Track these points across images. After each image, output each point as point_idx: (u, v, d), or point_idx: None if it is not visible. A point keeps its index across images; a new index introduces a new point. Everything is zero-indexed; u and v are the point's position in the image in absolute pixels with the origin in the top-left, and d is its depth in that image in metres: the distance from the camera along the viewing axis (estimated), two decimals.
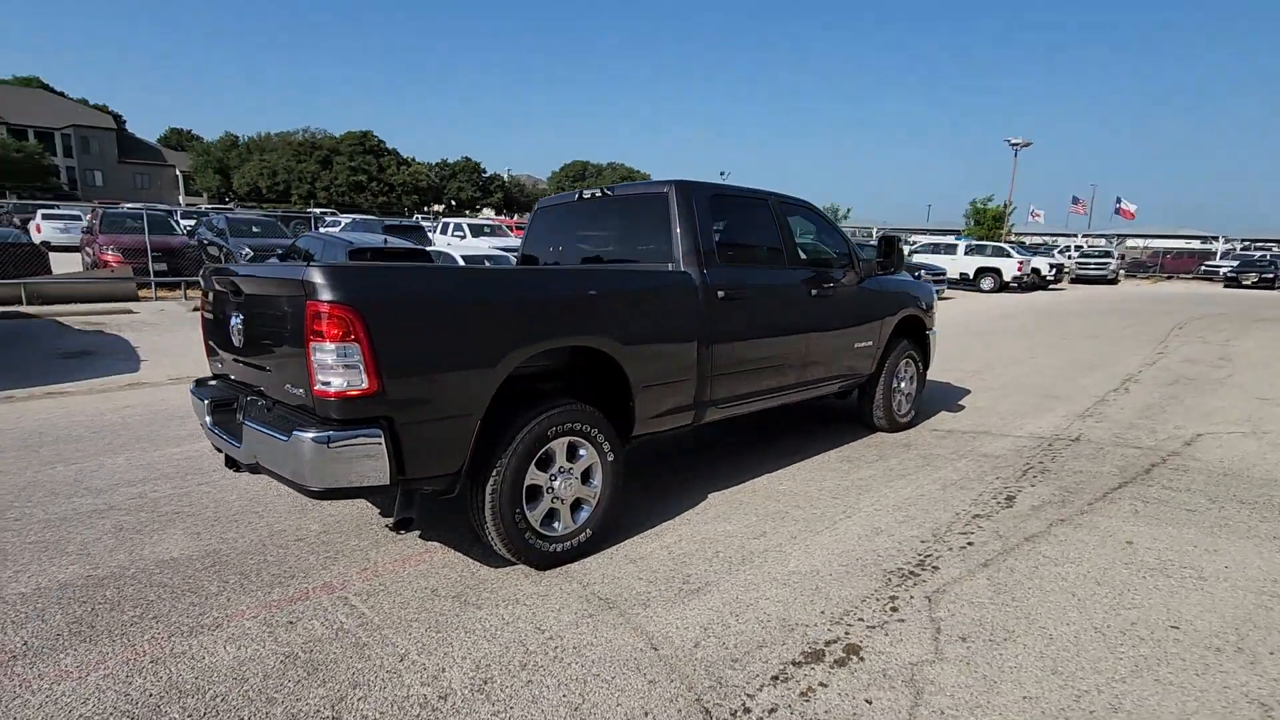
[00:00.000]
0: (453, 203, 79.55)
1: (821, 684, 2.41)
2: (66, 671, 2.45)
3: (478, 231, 21.98)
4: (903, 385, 5.85)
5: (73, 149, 65.67)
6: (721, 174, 56.81)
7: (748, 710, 2.27)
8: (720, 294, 3.98)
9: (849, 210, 42.49)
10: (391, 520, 2.90)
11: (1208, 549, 3.53)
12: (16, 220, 26.66)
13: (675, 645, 2.64)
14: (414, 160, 69.43)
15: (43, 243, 23.08)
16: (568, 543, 3.31)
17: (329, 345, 2.49)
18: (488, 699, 2.31)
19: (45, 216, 24.45)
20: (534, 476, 3.18)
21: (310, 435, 2.53)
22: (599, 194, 4.51)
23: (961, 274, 25.59)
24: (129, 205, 29.77)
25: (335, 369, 2.52)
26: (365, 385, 2.56)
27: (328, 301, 2.48)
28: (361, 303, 2.53)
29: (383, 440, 2.61)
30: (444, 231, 22.47)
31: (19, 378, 7.07)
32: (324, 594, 3.02)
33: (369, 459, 2.60)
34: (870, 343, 5.36)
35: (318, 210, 47.86)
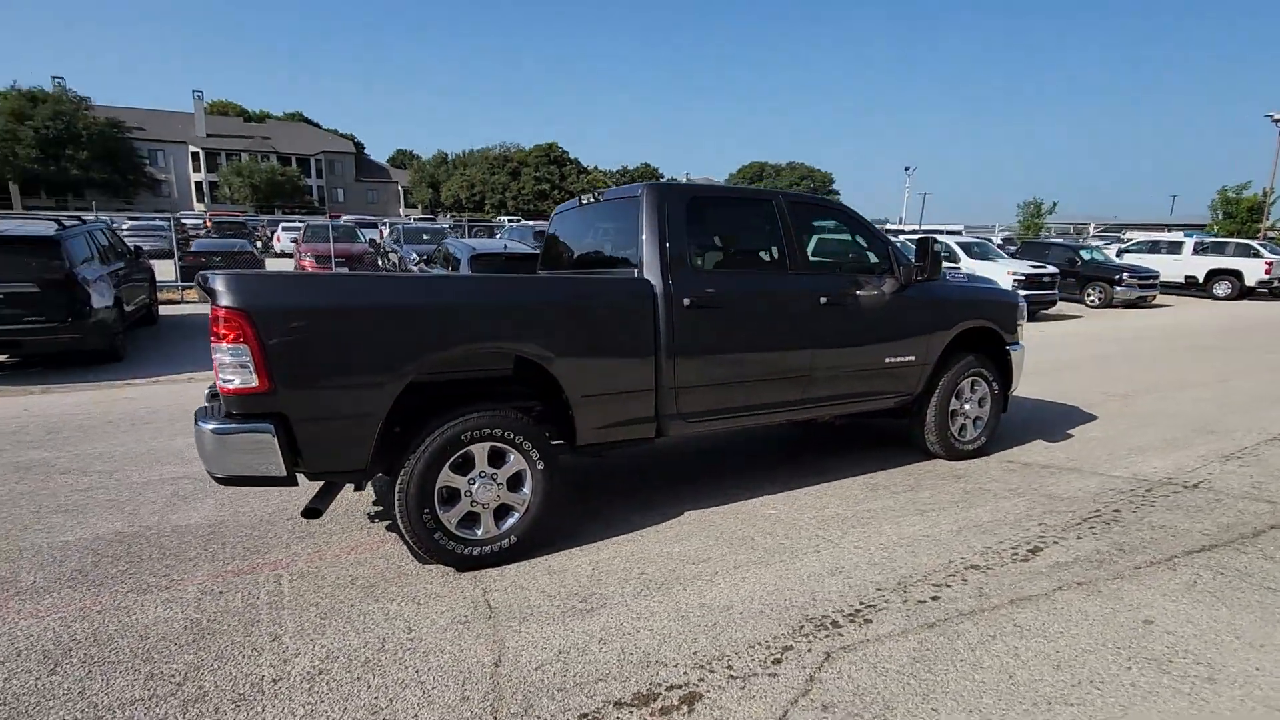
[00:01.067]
0: None
1: None
2: (38, 610, 2.96)
3: None
4: (966, 408, 5.11)
5: (322, 171, 77.81)
6: (906, 169, 53.07)
7: None
8: (687, 302, 3.77)
9: (1054, 205, 37.40)
10: (303, 509, 3.14)
11: (1251, 641, 2.69)
12: (268, 232, 32.36)
13: (519, 665, 2.57)
14: (594, 168, 73.17)
15: (281, 251, 27.81)
16: (487, 547, 3.34)
17: (224, 346, 2.77)
18: (309, 690, 2.42)
19: (284, 229, 29.29)
20: (450, 479, 3.25)
21: (210, 427, 2.83)
22: (594, 199, 4.49)
23: (1188, 277, 21.62)
24: (347, 218, 34.75)
25: (231, 367, 2.78)
26: (256, 384, 2.80)
27: (224, 306, 2.75)
28: (252, 308, 2.77)
29: (273, 435, 2.83)
30: None
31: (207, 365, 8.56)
32: (267, 570, 3.34)
33: (261, 451, 2.84)
34: (912, 358, 4.75)
35: (504, 218, 52.02)
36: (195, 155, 71.31)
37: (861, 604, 3.01)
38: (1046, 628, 2.82)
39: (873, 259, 4.73)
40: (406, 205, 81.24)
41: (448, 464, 3.22)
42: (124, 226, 23.04)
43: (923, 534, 3.78)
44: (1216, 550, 3.56)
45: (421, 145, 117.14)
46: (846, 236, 4.77)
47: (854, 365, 4.52)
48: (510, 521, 3.43)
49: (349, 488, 4.00)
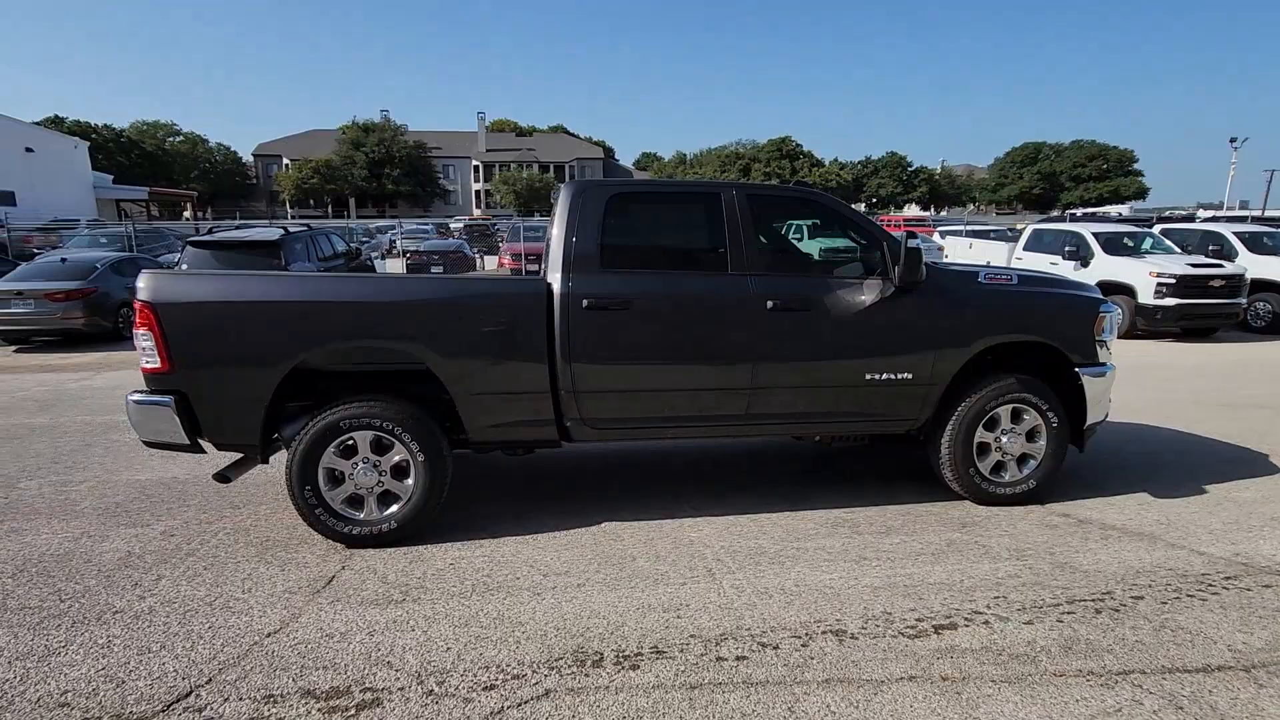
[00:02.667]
0: (873, 200, 77.91)
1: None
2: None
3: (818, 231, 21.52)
4: (1004, 441, 4.12)
5: (575, 175, 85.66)
6: (1232, 141, 42.31)
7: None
8: (585, 303, 3.62)
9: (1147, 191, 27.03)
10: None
11: None
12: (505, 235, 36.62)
13: (285, 638, 2.76)
14: (829, 161, 70.23)
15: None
16: (368, 529, 3.59)
17: (139, 332, 3.36)
18: (128, 625, 2.87)
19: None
20: (334, 462, 3.55)
21: (131, 398, 3.46)
22: (552, 199, 4.48)
23: None
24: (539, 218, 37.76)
25: (144, 351, 3.38)
26: (159, 365, 3.36)
27: (139, 300, 3.35)
28: (155, 301, 3.33)
29: (172, 408, 3.37)
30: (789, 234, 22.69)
31: None
32: (220, 523, 3.96)
33: (165, 421, 3.41)
34: (909, 375, 3.97)
35: (798, 221, 52.21)
36: (476, 168, 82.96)
37: (652, 648, 2.67)
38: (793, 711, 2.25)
39: (860, 258, 4.05)
40: None
41: (331, 448, 3.52)
42: (401, 230, 27.52)
43: (828, 584, 3.19)
44: (1224, 672, 2.48)
45: (665, 147, 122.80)
46: (833, 234, 4.13)
47: (817, 381, 3.92)
48: (393, 508, 3.63)
49: None
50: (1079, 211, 46.20)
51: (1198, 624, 2.83)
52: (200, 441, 3.53)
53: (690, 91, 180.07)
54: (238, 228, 11.99)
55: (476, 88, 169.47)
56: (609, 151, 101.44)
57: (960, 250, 17.32)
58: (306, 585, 3.20)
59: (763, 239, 3.98)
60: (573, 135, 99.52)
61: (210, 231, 13.53)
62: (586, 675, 2.50)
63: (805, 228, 9.05)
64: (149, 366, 3.38)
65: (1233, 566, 3.36)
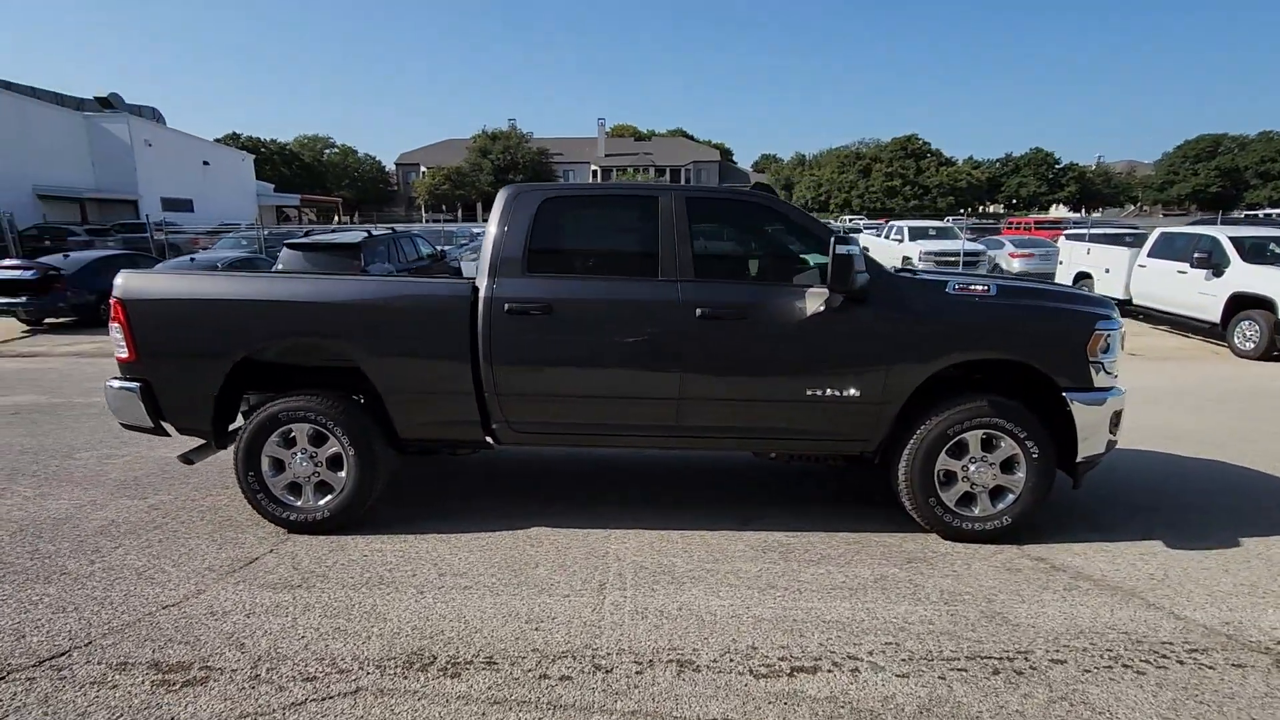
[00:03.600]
0: (1012, 201, 72.09)
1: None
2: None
3: (919, 234, 20.24)
4: (973, 470, 3.70)
5: (690, 179, 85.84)
6: None
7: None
8: (507, 308, 3.65)
9: None
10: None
11: None
12: None
13: (176, 610, 3.00)
14: (961, 160, 65.69)
15: None
16: (305, 516, 3.81)
17: (114, 325, 3.77)
18: (65, 584, 3.23)
19: None
20: (275, 451, 3.81)
21: (108, 383, 3.88)
22: None
23: None
24: None
25: (116, 342, 3.78)
26: (127, 355, 3.75)
27: (114, 297, 3.76)
28: (124, 297, 3.71)
29: (137, 393, 3.76)
30: (886, 235, 21.53)
31: None
32: (200, 500, 4.36)
33: (133, 405, 3.79)
34: (855, 392, 3.66)
35: (849, 218, 50.36)
36: (595, 173, 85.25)
37: (487, 658, 2.65)
38: None
39: (808, 265, 3.79)
40: None
41: (273, 437, 3.78)
42: None
43: (713, 611, 3.02)
44: None
45: (785, 148, 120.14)
46: (782, 239, 3.89)
47: (751, 394, 3.71)
48: (327, 498, 3.83)
49: None
50: (1263, 213, 40.39)
51: (1110, 701, 2.40)
52: (164, 425, 3.89)
53: (812, 90, 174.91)
54: (370, 230, 13.17)
55: (600, 95, 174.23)
56: (727, 154, 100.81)
57: (1077, 256, 15.64)
58: (228, 564, 3.45)
59: (702, 244, 3.81)
60: (691, 139, 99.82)
61: (306, 234, 14.81)
62: (404, 678, 2.52)
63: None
64: (120, 356, 3.79)
65: (1210, 637, 2.82)
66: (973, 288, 3.75)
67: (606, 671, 2.56)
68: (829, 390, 3.66)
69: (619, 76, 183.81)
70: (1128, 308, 14.30)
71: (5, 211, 23.61)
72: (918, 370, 3.63)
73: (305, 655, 2.66)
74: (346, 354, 3.72)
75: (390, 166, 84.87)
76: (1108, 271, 14.28)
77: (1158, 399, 7.10)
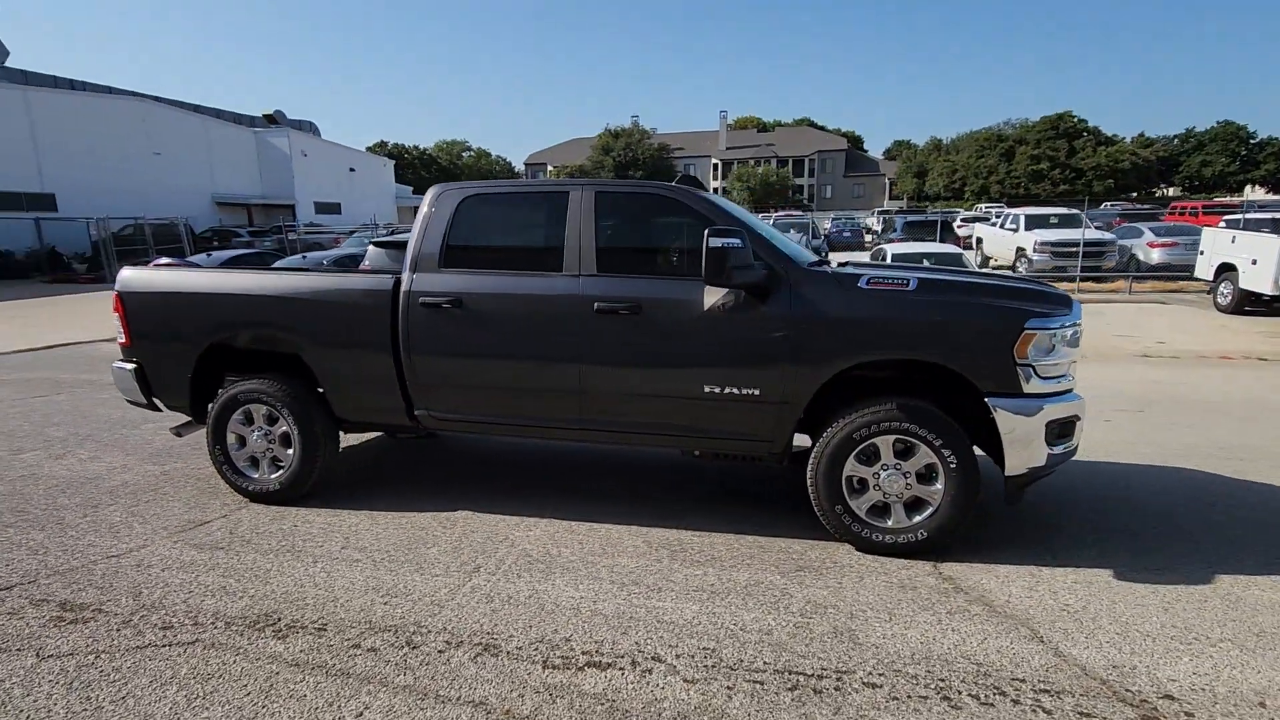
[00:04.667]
0: (1193, 182, 63.37)
1: None
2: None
3: (1037, 222, 18.41)
4: (884, 478, 3.46)
5: (814, 170, 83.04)
6: None
7: None
8: (422, 301, 3.86)
9: None
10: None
11: None
12: None
13: (116, 560, 3.49)
14: (1124, 138, 58.54)
15: None
16: (260, 488, 4.25)
17: (115, 315, 4.39)
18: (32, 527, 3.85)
19: None
20: (238, 428, 4.27)
21: (114, 365, 4.52)
22: None
23: None
24: (781, 215, 36.73)
25: (117, 328, 4.40)
26: (124, 340, 4.36)
27: (114, 290, 4.38)
28: (121, 290, 4.32)
29: (132, 374, 4.36)
30: (1001, 224, 19.78)
31: None
32: (184, 467, 4.96)
33: (129, 384, 4.40)
34: (755, 391, 3.53)
35: (984, 207, 46.76)
36: (715, 166, 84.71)
37: (322, 625, 2.87)
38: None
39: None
40: (891, 197, 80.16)
41: (235, 415, 4.25)
42: None
43: (560, 601, 3.06)
44: None
45: (919, 133, 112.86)
46: (690, 233, 3.78)
47: (648, 389, 3.67)
48: (279, 472, 4.25)
49: None
50: None
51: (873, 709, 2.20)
52: (155, 401, 4.48)
53: (949, 71, 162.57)
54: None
55: (725, 87, 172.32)
56: (856, 142, 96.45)
57: (1220, 246, 13.58)
58: (181, 525, 3.94)
59: (610, 239, 3.81)
60: (818, 128, 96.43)
61: (391, 232, 15.97)
62: (241, 635, 2.79)
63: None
64: (120, 341, 4.41)
65: (1078, 680, 2.48)
66: (887, 283, 3.48)
67: (413, 648, 2.70)
68: (728, 388, 3.55)
69: (745, 68, 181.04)
70: (1277, 305, 12.29)
71: (183, 216, 27.40)
72: (819, 370, 3.43)
73: (178, 608, 3.01)
74: (289, 342, 4.10)
75: (520, 167, 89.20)
76: (1255, 263, 12.32)
77: (1260, 412, 6.12)
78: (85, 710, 2.32)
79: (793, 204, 74.05)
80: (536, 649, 2.68)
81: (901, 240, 17.73)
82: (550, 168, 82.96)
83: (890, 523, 3.49)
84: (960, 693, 2.40)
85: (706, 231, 3.28)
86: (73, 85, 34.09)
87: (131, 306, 4.31)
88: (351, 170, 43.76)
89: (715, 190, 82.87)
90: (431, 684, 2.46)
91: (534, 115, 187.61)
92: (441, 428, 4.12)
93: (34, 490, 4.51)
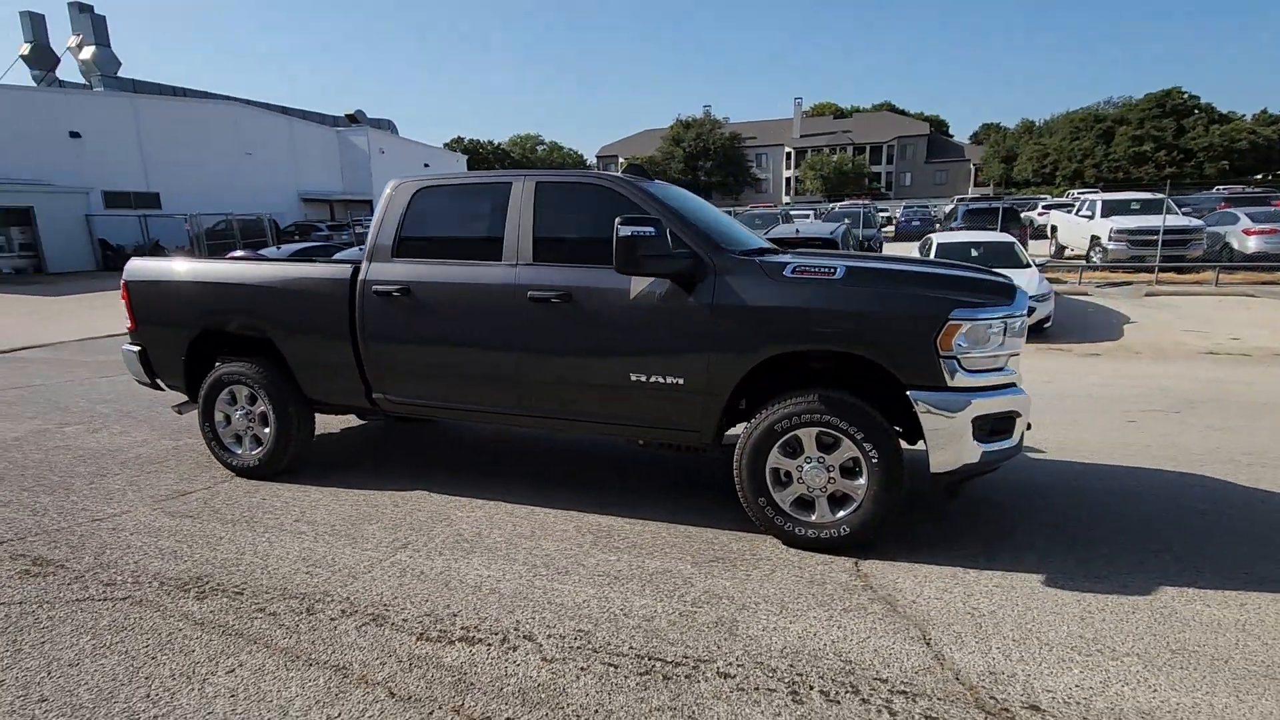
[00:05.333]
0: None
1: None
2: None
3: (1116, 209, 17.11)
4: (806, 471, 3.39)
5: (893, 156, 79.90)
6: None
7: None
8: (375, 290, 4.05)
9: None
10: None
11: None
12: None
13: (92, 525, 3.86)
14: (1243, 115, 53.22)
15: None
16: (241, 462, 4.58)
17: (122, 302, 4.82)
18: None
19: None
20: (225, 407, 4.61)
21: (123, 347, 4.95)
22: None
23: None
24: (847, 203, 35.60)
25: (125, 315, 4.83)
26: (130, 325, 4.77)
27: (122, 280, 4.80)
28: (127, 279, 4.73)
29: (136, 355, 4.77)
30: (1076, 210, 18.52)
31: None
32: (196, 442, 5.37)
33: (135, 366, 4.82)
34: (680, 381, 3.52)
35: (1075, 193, 44.00)
36: (789, 155, 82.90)
37: (240, 590, 3.09)
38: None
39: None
40: (976, 184, 76.21)
41: (221, 395, 4.58)
42: None
43: (467, 578, 3.17)
44: None
45: (1010, 115, 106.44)
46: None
47: (579, 377, 3.72)
48: (258, 449, 4.56)
49: None
50: None
51: (719, 718, 2.18)
52: (159, 382, 4.89)
53: (1044, 47, 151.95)
54: None
55: (801, 74, 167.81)
56: (940, 126, 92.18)
57: None
58: (166, 495, 4.30)
59: (547, 228, 3.86)
60: (899, 113, 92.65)
61: None
62: (168, 595, 3.04)
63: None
64: (128, 326, 4.83)
65: (945, 685, 2.37)
66: (813, 271, 3.39)
67: (310, 614, 2.87)
68: (654, 377, 3.56)
69: (824, 54, 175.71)
70: None
71: (269, 212, 29.23)
72: (742, 360, 3.39)
73: (128, 568, 3.31)
74: (262, 328, 4.38)
75: (592, 159, 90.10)
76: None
77: None
78: (7, 652, 2.61)
79: (868, 192, 71.58)
80: (420, 622, 2.80)
81: (960, 229, 16.87)
82: (621, 159, 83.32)
83: (814, 517, 3.41)
84: (811, 689, 2.35)
85: (617, 220, 3.29)
86: (175, 92, 36.98)
87: (135, 294, 4.72)
88: (426, 165, 45.42)
89: (787, 179, 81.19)
90: (308, 648, 2.62)
91: (609, 107, 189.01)
92: (397, 411, 4.31)
93: (62, 459, 5.01)
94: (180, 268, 4.67)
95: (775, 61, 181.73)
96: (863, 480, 3.29)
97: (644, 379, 3.58)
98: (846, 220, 19.04)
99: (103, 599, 3.01)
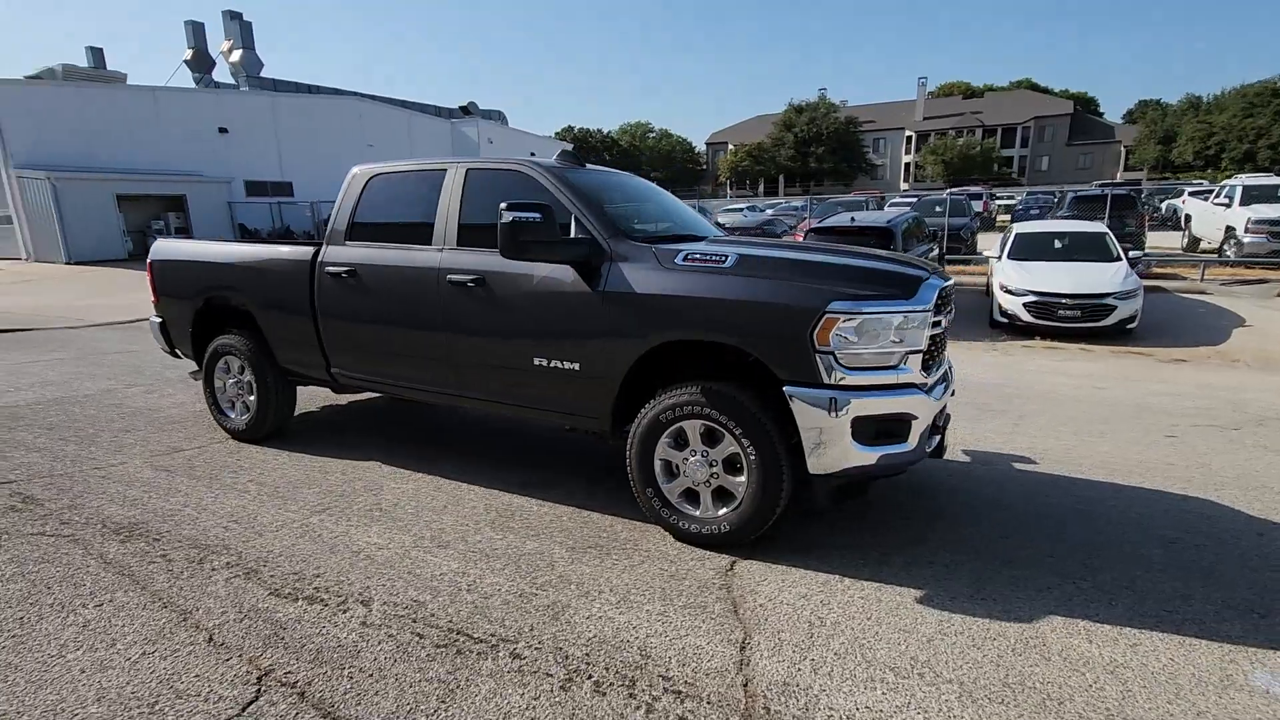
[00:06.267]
0: None
1: None
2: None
3: (1260, 195, 14.93)
4: (691, 464, 3.31)
5: (1028, 139, 73.53)
6: None
7: None
8: (329, 271, 4.34)
9: None
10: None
11: None
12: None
13: (96, 470, 4.42)
14: None
15: None
16: (233, 426, 5.06)
17: (148, 279, 5.43)
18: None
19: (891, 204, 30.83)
20: (221, 376, 5.10)
21: (150, 318, 5.58)
22: None
23: None
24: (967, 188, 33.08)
25: (149, 292, 5.44)
26: (154, 299, 5.38)
27: (148, 260, 5.41)
28: (152, 259, 5.32)
29: (158, 327, 5.38)
30: (1215, 197, 16.34)
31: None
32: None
33: (158, 336, 5.43)
34: (575, 366, 3.54)
35: (1243, 177, 38.94)
36: (909, 139, 78.42)
37: (159, 537, 3.45)
38: None
39: (560, 234, 3.69)
40: (1126, 167, 68.72)
41: (219, 364, 5.08)
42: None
43: (355, 544, 3.37)
44: None
45: (1171, 90, 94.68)
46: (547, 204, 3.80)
47: (493, 360, 3.82)
48: (245, 415, 5.01)
49: None
50: None
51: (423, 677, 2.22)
52: (176, 351, 5.47)
53: (1215, 17, 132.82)
54: None
55: (929, 53, 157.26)
56: (1088, 104, 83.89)
57: None
58: (164, 450, 4.83)
59: (473, 214, 3.95)
60: (1040, 90, 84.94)
61: None
62: (101, 536, 3.45)
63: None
64: (151, 300, 5.44)
65: (723, 690, 2.27)
66: (704, 258, 3.28)
67: (200, 564, 3.16)
68: (554, 361, 3.59)
69: (953, 30, 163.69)
70: None
71: None
72: (631, 347, 3.35)
73: (89, 510, 3.77)
74: (243, 303, 4.80)
75: (702, 147, 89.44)
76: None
77: None
78: None
79: (996, 178, 66.40)
80: (284, 579, 3.02)
81: (1067, 217, 15.32)
82: (730, 146, 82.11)
83: (698, 512, 3.33)
84: (589, 679, 2.33)
85: (502, 205, 3.33)
86: (309, 89, 40.44)
87: (157, 272, 5.31)
88: (531, 154, 46.94)
89: (906, 165, 76.79)
90: (175, 593, 2.90)
91: (726, 93, 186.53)
92: (351, 386, 4.60)
93: (107, 415, 5.74)
94: (187, 248, 5.20)
95: (902, 37, 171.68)
96: (744, 478, 3.17)
97: (545, 363, 3.61)
98: (937, 207, 17.88)
99: (51, 535, 3.46)
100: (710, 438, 3.24)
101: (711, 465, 3.25)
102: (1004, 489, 4.10)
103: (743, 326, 3.08)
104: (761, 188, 76.61)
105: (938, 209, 17.93)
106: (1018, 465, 4.56)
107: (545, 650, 2.50)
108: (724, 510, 3.26)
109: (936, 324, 3.23)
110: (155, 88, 27.74)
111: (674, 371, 3.49)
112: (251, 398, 4.93)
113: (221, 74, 39.32)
